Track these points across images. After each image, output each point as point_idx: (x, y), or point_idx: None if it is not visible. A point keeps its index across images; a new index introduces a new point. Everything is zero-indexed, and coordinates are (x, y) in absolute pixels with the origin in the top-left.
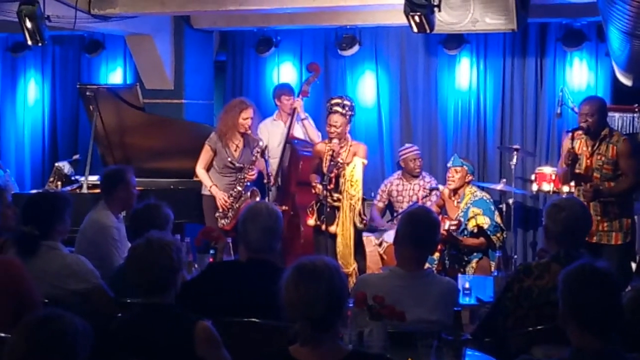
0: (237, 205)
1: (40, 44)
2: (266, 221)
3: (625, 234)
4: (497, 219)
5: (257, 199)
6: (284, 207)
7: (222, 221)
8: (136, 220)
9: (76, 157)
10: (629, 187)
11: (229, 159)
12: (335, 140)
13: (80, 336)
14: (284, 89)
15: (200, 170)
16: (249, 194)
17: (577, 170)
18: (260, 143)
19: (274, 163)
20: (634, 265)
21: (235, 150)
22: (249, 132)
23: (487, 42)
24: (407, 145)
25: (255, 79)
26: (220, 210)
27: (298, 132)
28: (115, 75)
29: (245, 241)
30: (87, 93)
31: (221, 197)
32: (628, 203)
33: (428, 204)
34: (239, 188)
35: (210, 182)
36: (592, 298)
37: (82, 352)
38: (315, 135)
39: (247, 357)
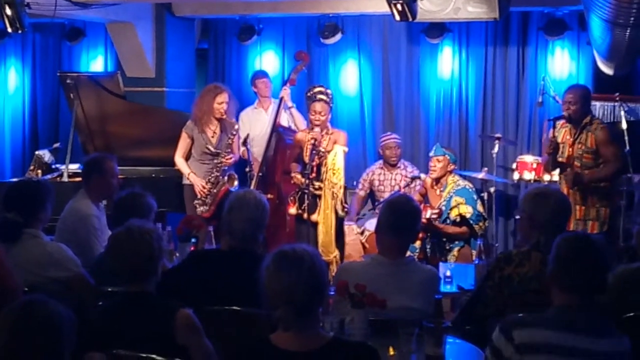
0: (215, 191)
1: (20, 32)
2: (253, 212)
3: (602, 224)
4: (480, 207)
5: (235, 183)
6: (269, 196)
7: (201, 208)
8: (119, 208)
9: (57, 145)
10: (612, 172)
11: (207, 145)
12: (317, 129)
13: (65, 322)
14: (256, 73)
15: (178, 158)
16: (226, 178)
17: (559, 159)
18: (236, 127)
19: (256, 151)
20: None
21: (213, 137)
22: (225, 117)
23: (469, 31)
24: (388, 133)
25: (238, 67)
26: (199, 197)
27: (283, 120)
28: (96, 63)
29: (230, 230)
30: (68, 81)
31: (199, 184)
32: (607, 193)
33: (410, 192)
34: (216, 173)
35: (188, 170)
36: (581, 264)
37: (67, 338)
38: (302, 124)
39: (228, 345)
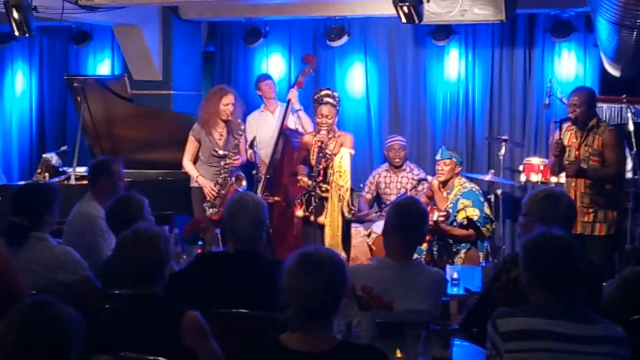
0: (223, 192)
1: (27, 35)
2: (254, 212)
3: (610, 226)
4: (487, 210)
5: (243, 183)
6: (276, 198)
7: (210, 210)
8: (111, 218)
9: (64, 148)
10: (611, 174)
11: (214, 148)
12: (323, 132)
13: (73, 324)
14: (260, 77)
15: (186, 162)
16: (233, 179)
17: (566, 162)
18: (242, 127)
19: (264, 154)
20: None
21: (220, 139)
22: (231, 118)
23: (475, 33)
24: (393, 135)
25: (244, 70)
26: (208, 199)
27: (290, 122)
28: (103, 66)
29: (234, 234)
30: (75, 84)
31: (208, 186)
32: (615, 195)
33: (416, 195)
34: (224, 175)
35: (196, 173)
36: (550, 260)
37: (75, 340)
38: (310, 127)
39: (236, 348)
